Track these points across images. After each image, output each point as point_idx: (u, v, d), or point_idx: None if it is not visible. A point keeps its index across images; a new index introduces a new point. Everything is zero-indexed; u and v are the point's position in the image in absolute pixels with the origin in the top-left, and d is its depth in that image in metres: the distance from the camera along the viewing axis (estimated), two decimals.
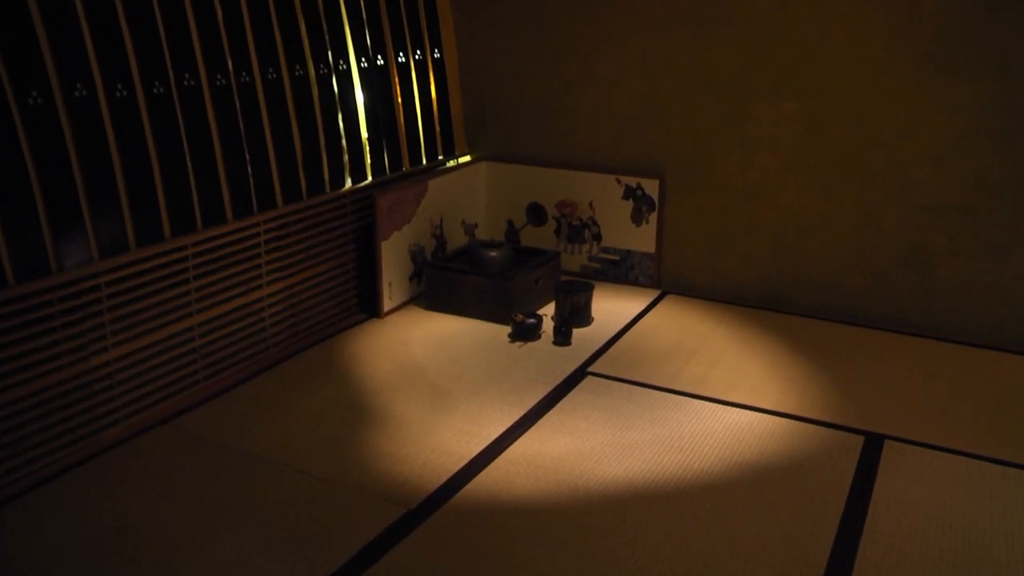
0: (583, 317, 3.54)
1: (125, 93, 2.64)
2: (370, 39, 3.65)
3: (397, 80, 3.82)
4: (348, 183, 3.56)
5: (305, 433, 2.68)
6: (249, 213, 3.10)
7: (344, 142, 3.53)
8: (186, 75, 2.84)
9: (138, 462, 2.54)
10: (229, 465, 2.51)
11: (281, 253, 3.24)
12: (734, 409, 2.86)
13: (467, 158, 4.26)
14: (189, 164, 2.87)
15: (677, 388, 2.99)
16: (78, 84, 2.51)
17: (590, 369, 3.15)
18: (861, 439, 2.69)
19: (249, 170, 3.10)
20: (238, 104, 3.04)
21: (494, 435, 2.67)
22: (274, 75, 3.17)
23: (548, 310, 3.69)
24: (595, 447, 2.62)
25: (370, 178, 3.67)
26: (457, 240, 4.07)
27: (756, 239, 3.76)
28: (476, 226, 4.22)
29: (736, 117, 3.68)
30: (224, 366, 3.06)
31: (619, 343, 3.38)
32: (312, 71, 3.35)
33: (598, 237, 4.03)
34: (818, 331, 3.52)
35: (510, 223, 4.22)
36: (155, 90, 2.73)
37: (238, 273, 3.07)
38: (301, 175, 3.32)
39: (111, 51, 2.61)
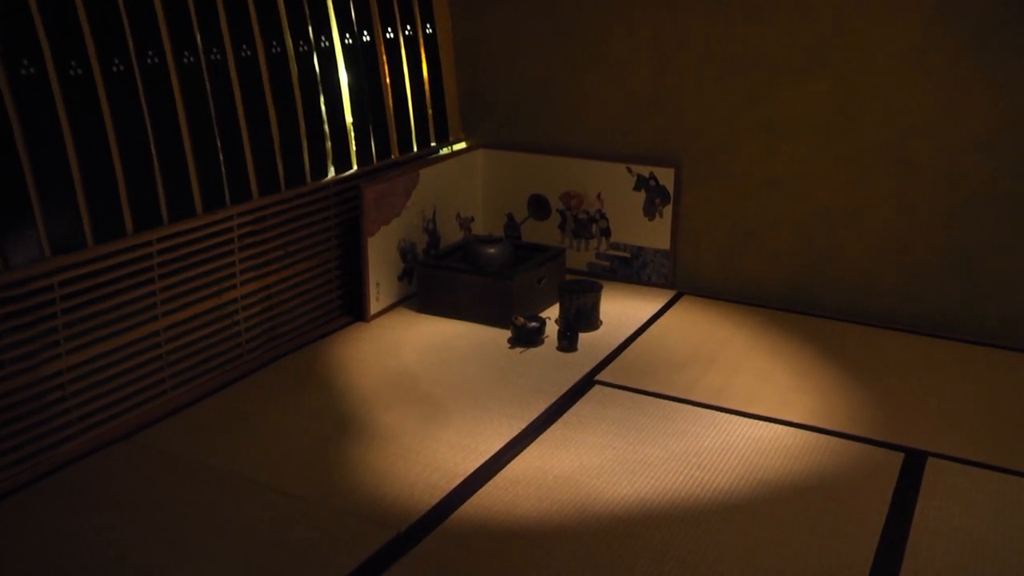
0: (590, 320, 3.53)
1: (80, 71, 2.61)
2: (355, 13, 3.65)
3: (385, 58, 3.82)
4: (331, 173, 3.56)
5: (284, 449, 2.68)
6: (221, 205, 3.08)
7: (326, 127, 3.53)
8: (150, 52, 2.82)
9: (96, 482, 2.52)
10: (199, 484, 2.50)
11: (257, 250, 3.23)
12: (757, 422, 2.86)
13: (462, 145, 4.27)
14: (153, 151, 2.86)
15: (694, 398, 3.00)
16: (25, 61, 2.48)
17: (598, 378, 3.15)
18: (900, 456, 2.68)
19: (221, 158, 3.08)
20: (208, 84, 3.02)
21: (492, 450, 2.68)
22: (248, 52, 3.16)
23: (552, 312, 3.69)
24: (604, 463, 2.61)
25: (355, 167, 3.68)
26: (451, 235, 4.06)
27: (781, 234, 3.75)
28: (472, 220, 4.22)
29: (759, 100, 3.67)
30: (193, 375, 3.05)
31: (630, 349, 3.38)
32: (291, 48, 3.34)
33: (607, 232, 4.03)
34: (851, 335, 3.51)
35: (510, 217, 4.22)
36: (114, 68, 2.71)
37: (209, 272, 3.06)
38: (279, 164, 3.32)
39: (63, 24, 2.58)
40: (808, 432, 2.79)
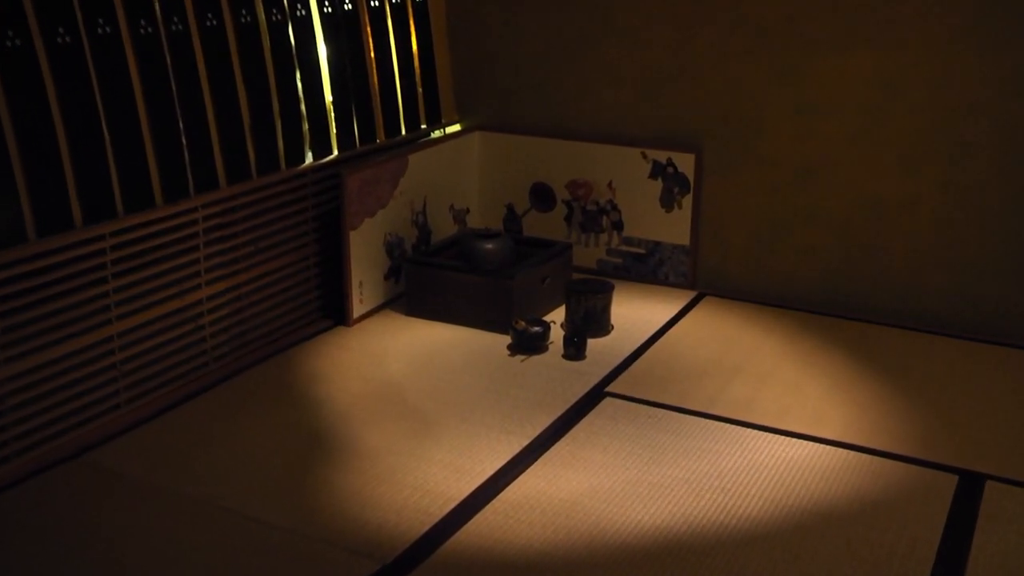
0: (600, 324, 3.53)
1: (19, 42, 2.59)
2: None
3: (369, 29, 3.82)
4: (308, 158, 3.57)
5: (255, 470, 2.67)
6: (184, 195, 3.08)
7: (303, 107, 3.53)
8: (100, 20, 2.80)
9: (39, 509, 2.50)
10: (158, 512, 2.49)
11: (224, 245, 3.23)
12: (789, 439, 2.86)
13: (457, 127, 4.28)
14: (106, 133, 2.84)
15: (717, 413, 3.00)
16: None
17: (609, 389, 3.16)
18: (954, 479, 2.66)
19: (183, 141, 3.08)
20: (168, 58, 3.01)
21: (490, 471, 2.68)
22: (214, 22, 3.15)
23: (557, 316, 3.68)
24: (616, 486, 2.61)
25: (336, 152, 3.69)
26: (444, 229, 4.07)
27: (817, 227, 3.75)
28: (468, 212, 4.23)
29: (792, 75, 3.67)
30: (151, 387, 3.04)
31: (645, 357, 3.39)
32: (262, 17, 3.33)
33: (619, 225, 4.03)
34: (896, 342, 3.51)
35: (510, 208, 4.22)
36: (60, 39, 2.69)
37: (170, 270, 3.06)
38: (249, 148, 3.31)
39: None
40: (847, 451, 2.78)
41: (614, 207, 4.01)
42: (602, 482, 2.62)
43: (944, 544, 2.37)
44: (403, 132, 3.99)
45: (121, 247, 2.87)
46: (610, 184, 4.00)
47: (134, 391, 2.97)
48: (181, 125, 3.04)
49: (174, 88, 3.01)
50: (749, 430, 2.89)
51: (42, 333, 2.69)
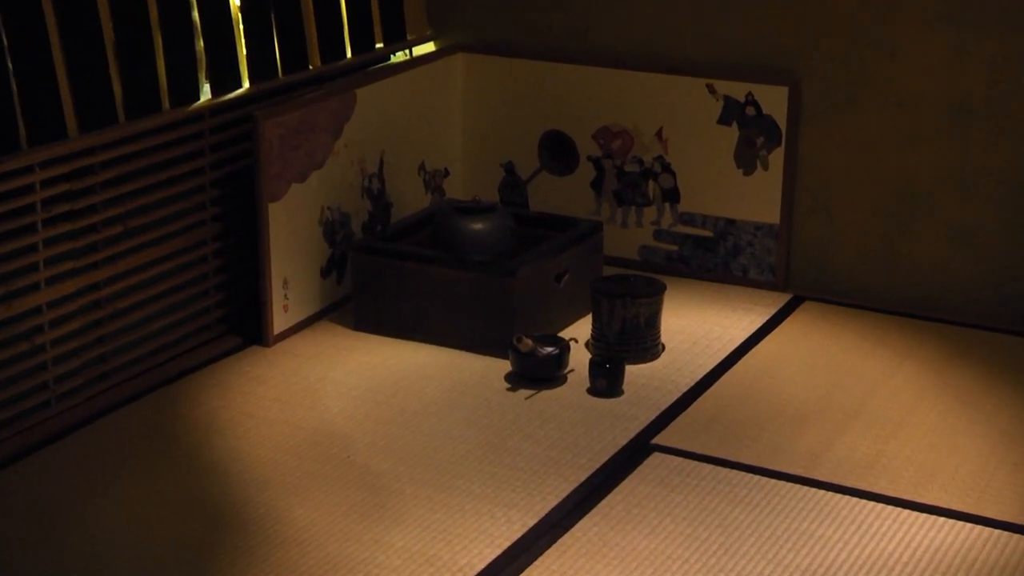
0: (644, 344, 3.55)
1: None
2: None
3: None
4: (205, 94, 3.57)
5: (123, 564, 2.66)
6: (12, 148, 3.07)
7: (196, 15, 3.53)
8: None
9: None
10: None
11: (76, 225, 3.24)
12: (934, 519, 2.86)
13: (429, 47, 4.30)
14: None
15: (822, 478, 3.02)
16: None
17: (657, 440, 3.17)
18: None
19: (9, 66, 3.06)
20: None
21: (479, 564, 2.69)
22: None
23: (581, 331, 3.66)
24: None
25: (247, 85, 3.71)
26: (412, 201, 4.09)
27: (977, 199, 3.76)
28: (446, 174, 4.25)
29: None
30: None
31: (712, 392, 3.42)
32: None
33: (672, 195, 4.03)
34: None
35: (509, 169, 4.23)
36: None
37: None
38: (114, 78, 3.31)
39: None
40: None
41: (666, 167, 4.02)
42: None
43: None
44: (348, 55, 4.01)
45: None
46: (660, 133, 4.00)
47: None
48: (5, 41, 3.02)
49: None
50: (871, 504, 2.89)
51: None
